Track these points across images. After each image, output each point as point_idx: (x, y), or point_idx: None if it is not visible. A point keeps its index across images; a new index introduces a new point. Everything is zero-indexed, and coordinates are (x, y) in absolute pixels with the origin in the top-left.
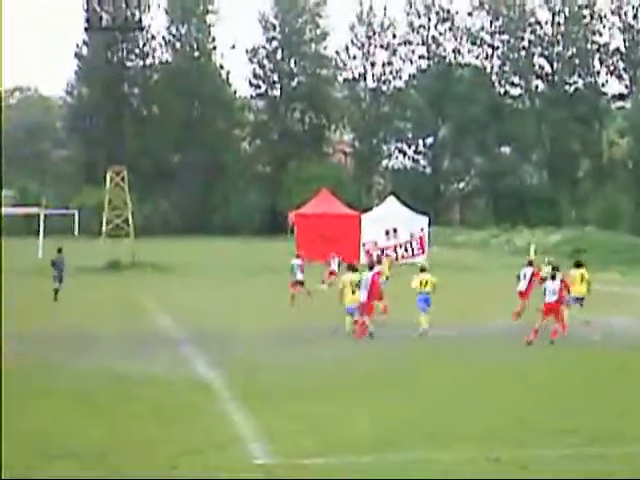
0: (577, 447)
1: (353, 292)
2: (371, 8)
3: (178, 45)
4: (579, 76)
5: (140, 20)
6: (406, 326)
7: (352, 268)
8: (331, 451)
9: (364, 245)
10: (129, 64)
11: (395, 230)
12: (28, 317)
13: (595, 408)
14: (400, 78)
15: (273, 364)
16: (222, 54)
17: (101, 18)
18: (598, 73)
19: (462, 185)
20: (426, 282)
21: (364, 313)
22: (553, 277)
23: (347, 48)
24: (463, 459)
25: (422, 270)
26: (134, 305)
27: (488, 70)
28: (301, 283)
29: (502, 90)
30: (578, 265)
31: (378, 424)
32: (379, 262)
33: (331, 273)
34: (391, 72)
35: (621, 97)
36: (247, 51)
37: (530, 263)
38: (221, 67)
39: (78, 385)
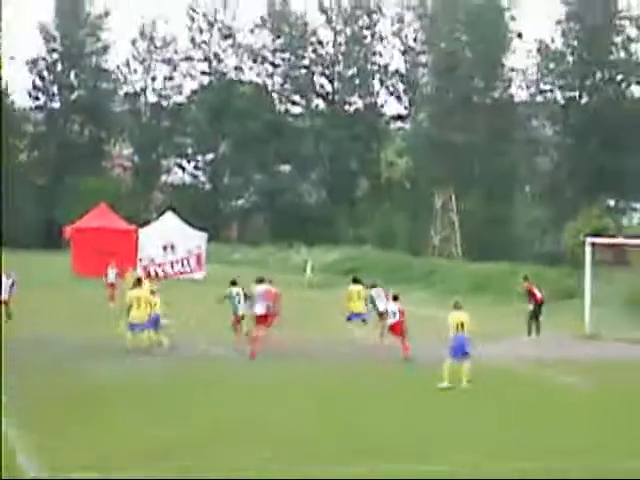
0: None
1: (138, 307)
2: (153, 22)
3: None
4: (359, 96)
5: None
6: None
7: (139, 283)
8: (102, 466)
9: (141, 260)
10: None
11: (172, 246)
12: None
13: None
14: (181, 93)
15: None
16: (1, 64)
17: None
18: (378, 94)
19: (241, 202)
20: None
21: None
22: (395, 298)
23: (128, 62)
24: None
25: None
26: None
27: (269, 88)
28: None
29: (283, 108)
30: (355, 281)
31: (144, 440)
32: (148, 276)
33: (110, 285)
34: (172, 87)
35: (400, 118)
36: (27, 62)
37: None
38: None
39: None
